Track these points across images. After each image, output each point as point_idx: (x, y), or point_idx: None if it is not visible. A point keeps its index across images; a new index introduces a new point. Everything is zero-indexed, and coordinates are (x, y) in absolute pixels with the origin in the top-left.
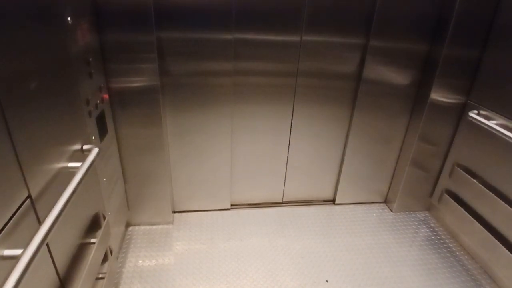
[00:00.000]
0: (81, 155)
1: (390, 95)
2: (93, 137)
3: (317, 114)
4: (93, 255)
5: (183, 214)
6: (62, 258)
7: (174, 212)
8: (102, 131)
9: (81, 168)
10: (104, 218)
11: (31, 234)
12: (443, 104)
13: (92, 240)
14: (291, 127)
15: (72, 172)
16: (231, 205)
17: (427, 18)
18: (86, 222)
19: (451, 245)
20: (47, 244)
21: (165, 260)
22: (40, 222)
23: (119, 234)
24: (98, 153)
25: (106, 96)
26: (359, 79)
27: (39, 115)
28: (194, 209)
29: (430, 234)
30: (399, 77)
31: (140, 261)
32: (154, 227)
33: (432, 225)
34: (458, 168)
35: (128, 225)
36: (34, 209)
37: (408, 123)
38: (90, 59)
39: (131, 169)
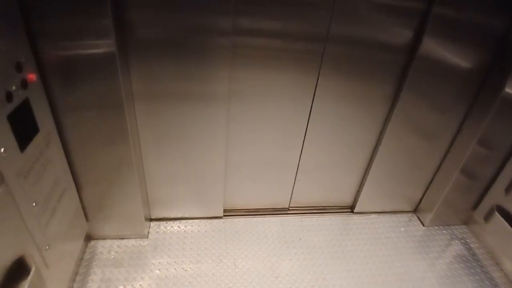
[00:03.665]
0: None
1: (446, 80)
2: (2, 150)
3: (349, 95)
4: None
5: (162, 223)
6: None
7: (150, 220)
8: (25, 134)
9: None
10: (31, 266)
11: None
12: None
13: None
14: (311, 109)
15: None
16: (224, 211)
17: None
18: None
19: (490, 269)
20: None
21: None
22: None
23: (73, 255)
24: None
25: (31, 76)
26: (412, 55)
27: None
28: (176, 217)
29: (470, 258)
30: (463, 59)
31: None
32: (123, 242)
33: (471, 245)
34: None
35: (89, 238)
36: None
37: (462, 118)
38: None
39: (85, 170)
